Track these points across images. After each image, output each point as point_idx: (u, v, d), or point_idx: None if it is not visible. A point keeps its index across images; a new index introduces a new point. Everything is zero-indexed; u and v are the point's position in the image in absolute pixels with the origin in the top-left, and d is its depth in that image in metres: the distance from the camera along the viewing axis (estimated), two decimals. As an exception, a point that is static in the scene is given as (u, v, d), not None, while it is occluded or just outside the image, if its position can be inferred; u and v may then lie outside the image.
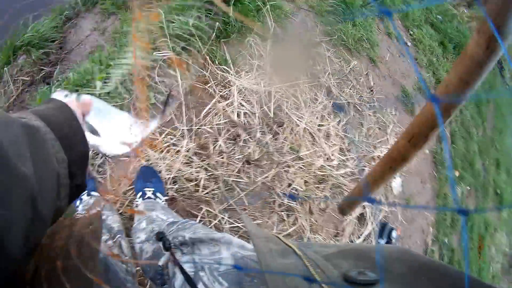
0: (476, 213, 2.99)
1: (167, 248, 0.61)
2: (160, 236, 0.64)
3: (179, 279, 0.62)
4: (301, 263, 0.40)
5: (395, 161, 0.55)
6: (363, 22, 2.04)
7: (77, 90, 1.39)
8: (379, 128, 1.97)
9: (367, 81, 1.96)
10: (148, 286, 1.35)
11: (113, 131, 0.57)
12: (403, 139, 0.52)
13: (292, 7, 1.84)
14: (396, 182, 2.06)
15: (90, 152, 0.54)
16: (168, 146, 1.52)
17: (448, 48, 2.92)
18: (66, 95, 0.57)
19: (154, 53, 1.49)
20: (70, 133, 0.40)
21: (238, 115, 1.55)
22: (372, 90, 1.98)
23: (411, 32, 2.49)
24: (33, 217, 0.29)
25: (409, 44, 2.33)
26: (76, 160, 0.41)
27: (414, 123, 0.52)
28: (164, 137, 1.51)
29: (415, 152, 0.53)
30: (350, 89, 1.85)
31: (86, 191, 1.38)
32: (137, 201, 1.39)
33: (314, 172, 1.68)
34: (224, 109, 1.50)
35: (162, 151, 1.52)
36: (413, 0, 2.67)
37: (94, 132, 0.54)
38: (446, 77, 0.42)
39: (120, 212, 1.44)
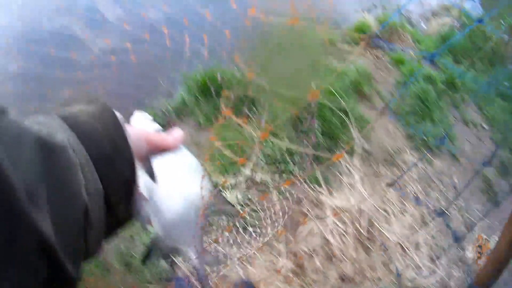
0: None
1: None
2: None
3: None
4: None
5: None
6: (440, 115, 2.06)
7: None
8: (466, 227, 1.93)
9: (451, 180, 1.95)
10: None
11: (177, 190, 0.38)
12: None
13: (371, 113, 1.91)
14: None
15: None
16: (266, 263, 1.61)
17: (522, 118, 2.80)
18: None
19: (255, 174, 1.63)
20: (113, 152, 0.29)
21: (332, 233, 1.61)
22: (456, 188, 1.96)
23: (485, 112, 2.44)
24: (49, 275, 0.22)
25: (486, 127, 2.28)
26: (118, 189, 0.30)
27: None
28: (262, 255, 1.61)
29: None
30: (435, 192, 1.85)
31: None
32: (237, 317, 1.48)
33: (406, 285, 1.68)
34: (319, 229, 1.58)
35: (261, 268, 1.61)
36: (480, 76, 2.63)
37: (151, 176, 0.37)
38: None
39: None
